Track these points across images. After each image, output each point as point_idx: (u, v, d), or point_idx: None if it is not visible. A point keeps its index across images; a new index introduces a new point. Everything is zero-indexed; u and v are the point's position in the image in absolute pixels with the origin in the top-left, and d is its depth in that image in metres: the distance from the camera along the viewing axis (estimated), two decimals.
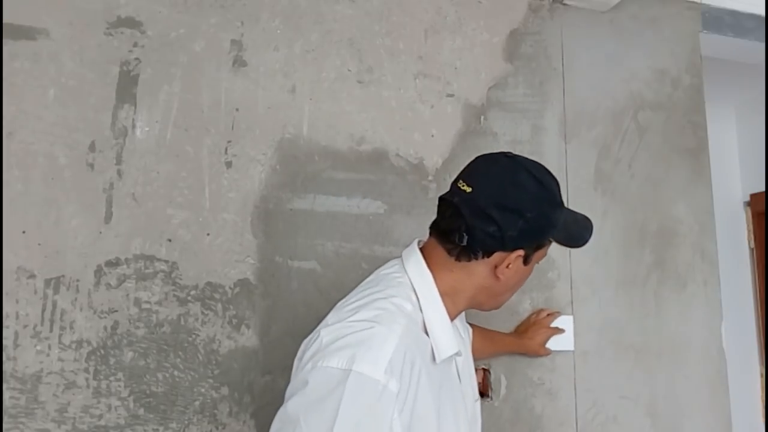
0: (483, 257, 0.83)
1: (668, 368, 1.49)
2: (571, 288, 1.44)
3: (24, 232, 1.10)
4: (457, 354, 0.84)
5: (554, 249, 1.42)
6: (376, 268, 1.29)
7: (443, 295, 0.83)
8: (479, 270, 0.84)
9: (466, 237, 0.81)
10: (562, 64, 1.54)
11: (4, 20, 1.14)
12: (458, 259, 0.83)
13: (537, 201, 0.82)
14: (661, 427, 1.45)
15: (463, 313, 0.99)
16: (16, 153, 1.12)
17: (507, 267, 0.83)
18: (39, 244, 1.11)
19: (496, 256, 0.83)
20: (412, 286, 0.83)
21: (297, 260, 1.24)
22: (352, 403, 0.67)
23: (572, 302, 1.43)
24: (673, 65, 1.67)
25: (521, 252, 0.83)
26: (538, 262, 0.89)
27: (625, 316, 1.48)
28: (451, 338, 0.82)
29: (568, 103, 1.53)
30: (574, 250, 1.45)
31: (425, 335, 0.80)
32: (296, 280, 1.24)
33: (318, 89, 1.33)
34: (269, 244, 1.23)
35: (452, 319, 0.86)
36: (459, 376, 0.88)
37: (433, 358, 0.80)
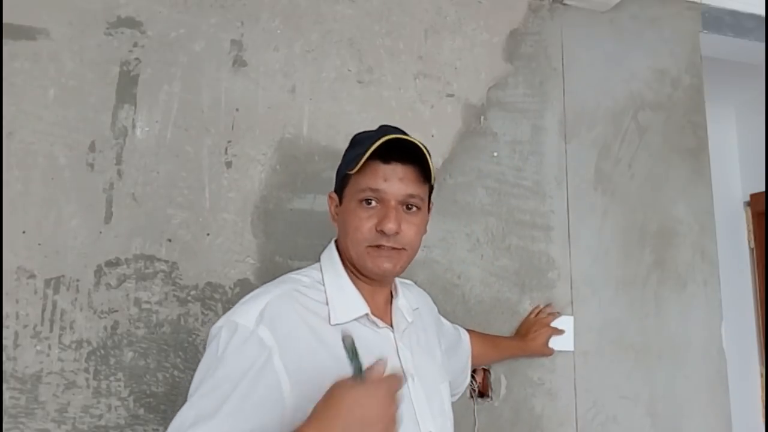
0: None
1: (668, 368, 1.49)
2: (571, 288, 1.44)
3: (24, 232, 1.10)
4: (365, 323, 0.87)
5: (555, 250, 1.43)
6: None
7: (349, 269, 0.90)
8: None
9: None
10: (562, 64, 1.54)
11: (4, 20, 1.14)
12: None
13: (345, 151, 0.95)
14: (661, 427, 1.45)
15: (422, 300, 1.07)
16: (16, 153, 1.12)
17: (331, 212, 0.94)
18: (39, 244, 1.11)
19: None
20: (320, 266, 0.91)
21: (297, 260, 1.24)
22: (225, 346, 0.76)
23: (572, 302, 1.44)
24: (673, 65, 1.67)
25: (331, 193, 0.94)
26: (359, 200, 0.87)
27: (625, 316, 1.48)
28: (350, 305, 0.86)
29: (568, 103, 1.53)
30: (574, 252, 1.45)
31: (322, 303, 0.86)
32: None
33: (318, 89, 1.33)
34: (269, 244, 1.23)
35: (368, 288, 0.90)
36: (398, 353, 0.88)
37: (329, 321, 0.84)
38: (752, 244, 2.76)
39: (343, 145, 1.32)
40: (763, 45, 1.78)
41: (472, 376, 1.30)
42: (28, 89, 1.14)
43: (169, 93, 1.22)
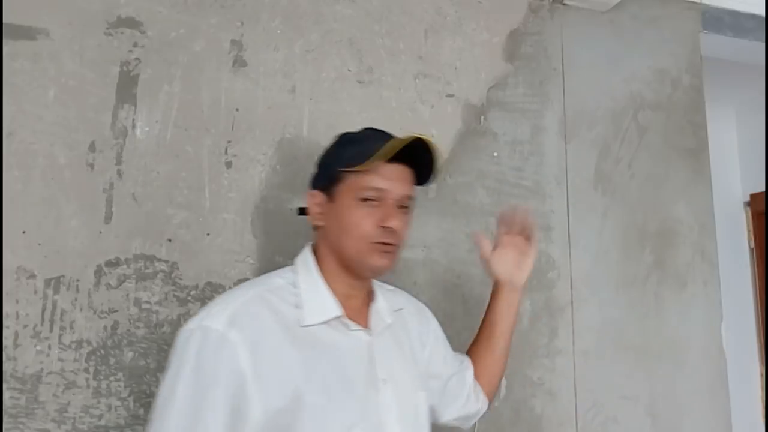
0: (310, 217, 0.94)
1: (668, 368, 1.49)
2: (571, 288, 1.44)
3: (24, 232, 1.10)
4: (336, 325, 0.86)
5: (555, 250, 1.43)
6: None
7: (325, 272, 0.91)
8: (315, 232, 0.95)
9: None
10: (562, 64, 1.54)
11: (4, 20, 1.14)
12: (314, 230, 0.96)
13: (325, 150, 0.97)
14: (661, 427, 1.45)
15: (414, 307, 1.06)
16: (16, 153, 1.12)
17: (314, 210, 0.93)
18: (39, 244, 1.11)
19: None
20: (296, 269, 0.92)
21: None
22: (197, 351, 0.78)
23: (572, 302, 1.44)
24: (673, 65, 1.67)
25: (313, 191, 0.94)
26: (360, 198, 0.87)
27: (625, 316, 1.48)
28: (323, 308, 0.87)
29: (568, 103, 1.53)
30: (574, 252, 1.45)
31: (293, 305, 0.86)
32: None
33: (318, 89, 1.33)
34: (269, 244, 1.23)
35: (344, 291, 0.90)
36: (370, 357, 0.88)
37: (300, 323, 0.85)
38: (752, 244, 2.77)
39: None
40: (763, 45, 1.78)
41: None
42: (28, 89, 1.14)
43: (169, 93, 1.22)
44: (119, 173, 1.17)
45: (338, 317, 0.87)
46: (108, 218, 1.15)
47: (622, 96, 1.60)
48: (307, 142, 1.30)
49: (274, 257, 1.23)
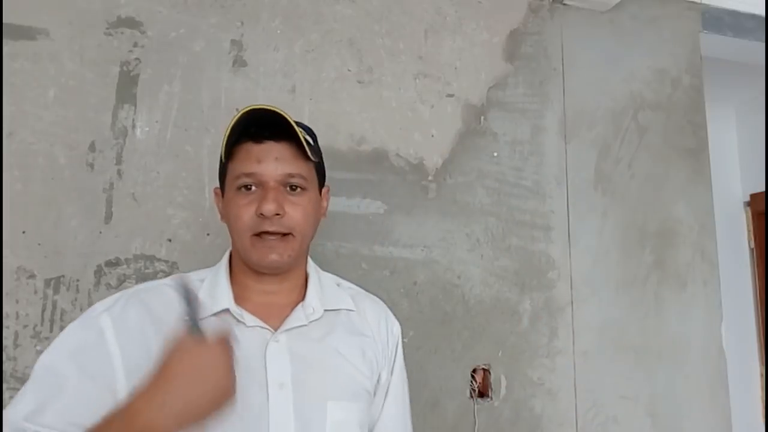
0: None
1: (668, 368, 1.49)
2: (571, 288, 1.44)
3: (24, 232, 1.10)
4: (228, 319, 0.80)
5: (555, 250, 1.43)
6: (375, 268, 1.29)
7: (235, 269, 0.85)
8: None
9: None
10: (562, 64, 1.54)
11: (4, 20, 1.14)
12: None
13: None
14: (661, 427, 1.45)
15: (375, 313, 0.92)
16: (16, 153, 1.12)
17: (219, 209, 0.88)
18: (39, 244, 1.11)
19: None
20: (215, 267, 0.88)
21: None
22: (69, 329, 0.78)
23: (572, 302, 1.44)
24: (673, 65, 1.67)
25: (216, 188, 0.89)
26: (237, 187, 0.80)
27: (625, 316, 1.48)
28: (214, 300, 0.81)
29: (568, 103, 1.53)
30: (574, 252, 1.45)
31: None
32: None
33: (318, 89, 1.33)
34: None
35: (257, 288, 0.84)
36: (265, 355, 0.78)
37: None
38: (752, 244, 2.76)
39: (344, 145, 1.33)
40: (763, 45, 1.78)
41: (472, 376, 1.30)
42: (28, 89, 1.14)
43: (169, 93, 1.22)
44: (119, 173, 1.17)
45: (226, 310, 0.80)
46: (108, 218, 1.15)
47: (622, 96, 1.60)
48: None
49: None
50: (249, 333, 0.79)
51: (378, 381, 0.88)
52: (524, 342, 1.38)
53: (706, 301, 1.56)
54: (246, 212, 0.79)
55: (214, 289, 0.82)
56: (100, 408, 0.66)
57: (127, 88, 1.20)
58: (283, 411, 0.76)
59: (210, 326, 0.73)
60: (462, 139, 1.41)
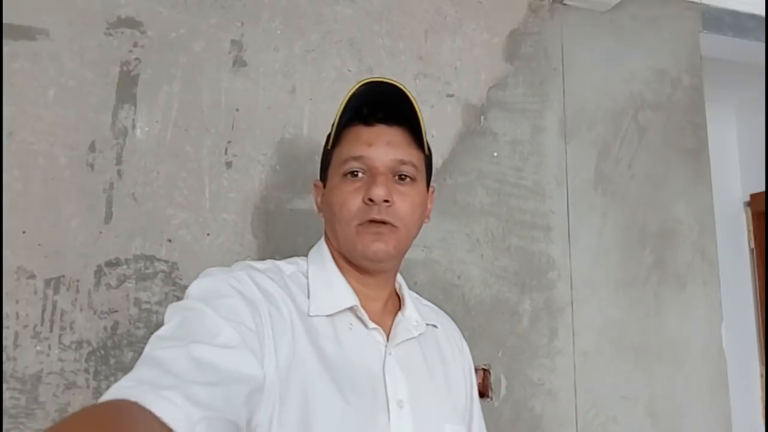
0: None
1: (668, 368, 1.49)
2: (571, 288, 1.44)
3: (24, 232, 1.10)
4: (350, 318, 0.74)
5: (555, 250, 1.43)
6: None
7: (339, 263, 0.79)
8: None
9: None
10: (562, 64, 1.54)
11: (4, 20, 1.14)
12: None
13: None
14: (661, 427, 1.45)
15: (452, 333, 0.89)
16: (17, 153, 1.12)
17: (318, 200, 0.83)
18: (39, 245, 1.10)
19: None
20: (308, 259, 0.81)
21: None
22: (205, 275, 0.71)
23: (572, 302, 1.44)
24: (673, 65, 1.67)
25: (317, 181, 0.84)
26: (344, 174, 0.75)
27: (625, 316, 1.48)
28: (335, 296, 0.74)
29: (568, 103, 1.53)
30: (574, 252, 1.45)
31: (303, 294, 0.75)
32: None
33: (318, 89, 1.33)
34: (270, 244, 1.23)
35: (358, 289, 0.78)
36: (384, 366, 0.72)
37: (308, 312, 0.73)
38: (752, 244, 2.77)
39: None
40: (763, 45, 1.78)
41: None
42: (28, 89, 1.14)
43: (169, 93, 1.22)
44: (119, 173, 1.17)
45: (352, 308, 0.74)
46: (108, 218, 1.15)
47: (622, 96, 1.60)
48: (307, 142, 1.30)
49: (274, 257, 1.23)
50: (370, 333, 0.74)
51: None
52: (524, 342, 1.38)
53: (706, 301, 1.56)
54: (353, 199, 0.73)
55: (329, 283, 0.75)
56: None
57: (127, 88, 1.20)
58: (403, 429, 0.70)
59: (329, 328, 0.71)
60: (462, 140, 1.41)
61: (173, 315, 0.62)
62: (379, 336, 0.75)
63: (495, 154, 1.43)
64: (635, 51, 1.63)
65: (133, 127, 1.19)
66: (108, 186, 1.16)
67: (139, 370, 0.53)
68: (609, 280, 1.48)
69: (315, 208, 0.84)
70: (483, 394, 1.32)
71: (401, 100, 0.74)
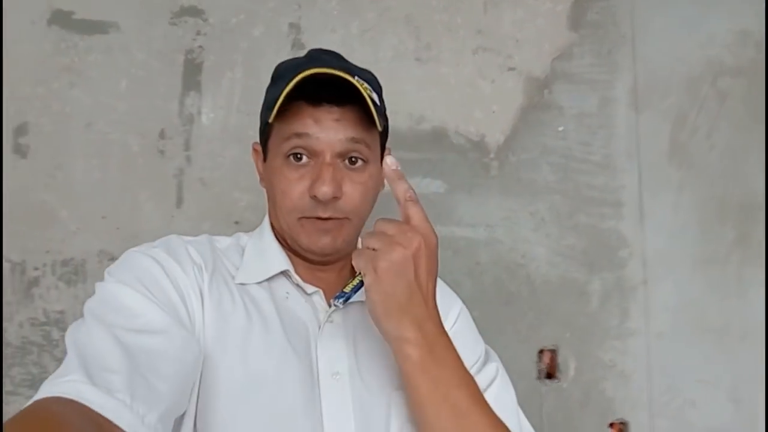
0: None
1: (753, 351, 1.39)
2: (644, 267, 1.37)
3: (104, 217, 1.17)
4: (292, 285, 0.70)
5: (626, 227, 1.36)
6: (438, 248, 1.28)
7: (279, 237, 0.74)
8: None
9: None
10: (632, 30, 1.45)
11: (79, 16, 1.20)
12: None
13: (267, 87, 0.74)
14: (745, 413, 1.37)
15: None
16: (95, 143, 1.18)
17: (258, 169, 0.76)
18: (117, 228, 1.17)
19: None
20: (251, 233, 0.77)
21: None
22: (124, 257, 0.65)
23: (646, 282, 1.37)
24: (756, 26, 1.54)
25: (256, 143, 0.76)
26: (286, 154, 0.68)
27: (703, 296, 1.39)
28: (261, 267, 0.70)
29: (639, 72, 1.44)
30: (648, 228, 1.38)
31: (235, 266, 0.70)
32: None
33: (376, 70, 1.29)
34: None
35: (306, 267, 0.73)
36: (316, 338, 0.67)
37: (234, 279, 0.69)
38: None
39: (403, 124, 1.32)
40: None
41: (539, 357, 1.27)
42: (102, 81, 1.20)
43: (232, 79, 1.25)
44: (188, 159, 1.21)
45: (286, 274, 0.70)
46: (179, 202, 1.20)
47: (699, 62, 1.49)
48: None
49: None
50: (305, 304, 0.70)
51: None
52: (594, 323, 1.33)
53: None
54: (295, 190, 0.67)
55: (263, 252, 0.71)
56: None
57: (192, 75, 1.23)
58: (336, 399, 0.64)
59: (262, 293, 0.68)
60: (525, 115, 1.37)
61: (96, 303, 0.59)
62: (320, 301, 0.70)
63: (560, 128, 1.38)
64: (714, 12, 1.51)
65: (199, 113, 1.23)
66: (178, 171, 1.21)
67: (69, 362, 0.51)
68: (685, 258, 1.40)
69: (258, 175, 0.78)
70: (551, 375, 1.29)
71: (348, 85, 0.65)
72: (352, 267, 0.75)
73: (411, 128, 1.31)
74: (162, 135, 1.21)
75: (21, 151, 1.17)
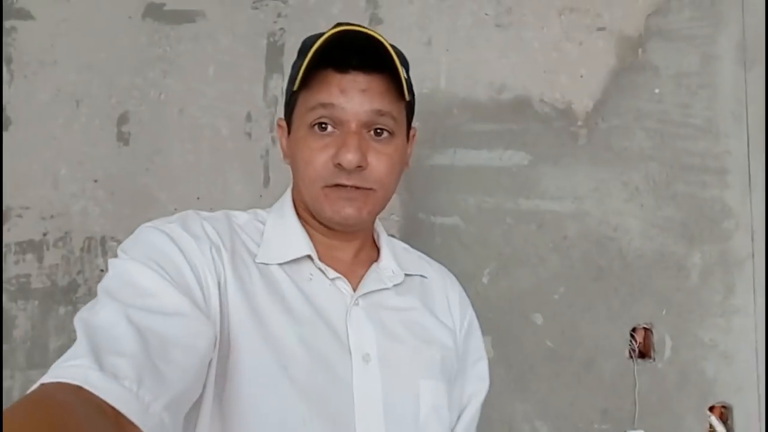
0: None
1: None
2: (752, 239, 1.26)
3: (198, 198, 1.24)
4: (315, 268, 0.69)
5: (731, 196, 1.25)
6: (521, 222, 1.25)
7: (302, 219, 0.73)
8: None
9: None
10: None
11: (169, 7, 1.26)
12: None
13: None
14: None
15: (442, 281, 0.82)
16: (188, 127, 1.25)
17: (283, 144, 0.76)
18: (211, 209, 1.23)
19: None
20: (270, 209, 0.77)
21: (439, 216, 1.24)
22: (138, 233, 0.64)
23: (753, 255, 1.25)
24: None
25: (281, 119, 0.76)
26: (310, 124, 0.67)
27: None
28: (288, 245, 0.69)
29: (748, 24, 1.29)
30: (756, 197, 1.26)
31: (256, 242, 0.69)
32: (439, 236, 1.24)
33: (454, 39, 1.28)
34: (412, 201, 1.25)
35: (325, 242, 0.72)
36: (347, 319, 0.67)
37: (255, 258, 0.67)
38: None
39: (483, 94, 1.28)
40: None
41: (632, 335, 1.21)
42: (192, 68, 1.26)
43: None
44: (273, 140, 1.25)
45: (310, 258, 0.69)
46: (266, 182, 1.25)
47: None
48: (445, 96, 1.27)
49: (417, 214, 1.25)
50: (334, 286, 0.69)
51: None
52: (693, 300, 1.24)
53: None
54: (319, 158, 0.66)
55: (284, 233, 0.70)
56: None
57: (274, 58, 1.27)
58: (370, 386, 0.64)
59: (283, 278, 0.66)
60: (616, 77, 1.28)
61: (109, 280, 0.57)
62: (344, 286, 0.69)
63: (656, 90, 1.27)
64: None
65: (282, 95, 1.26)
66: (264, 153, 1.25)
67: (79, 344, 0.48)
68: None
69: (281, 151, 0.78)
70: (644, 354, 1.23)
71: (378, 48, 0.64)
72: (369, 249, 0.77)
73: (492, 98, 1.27)
74: (248, 118, 1.26)
75: (123, 139, 1.27)
